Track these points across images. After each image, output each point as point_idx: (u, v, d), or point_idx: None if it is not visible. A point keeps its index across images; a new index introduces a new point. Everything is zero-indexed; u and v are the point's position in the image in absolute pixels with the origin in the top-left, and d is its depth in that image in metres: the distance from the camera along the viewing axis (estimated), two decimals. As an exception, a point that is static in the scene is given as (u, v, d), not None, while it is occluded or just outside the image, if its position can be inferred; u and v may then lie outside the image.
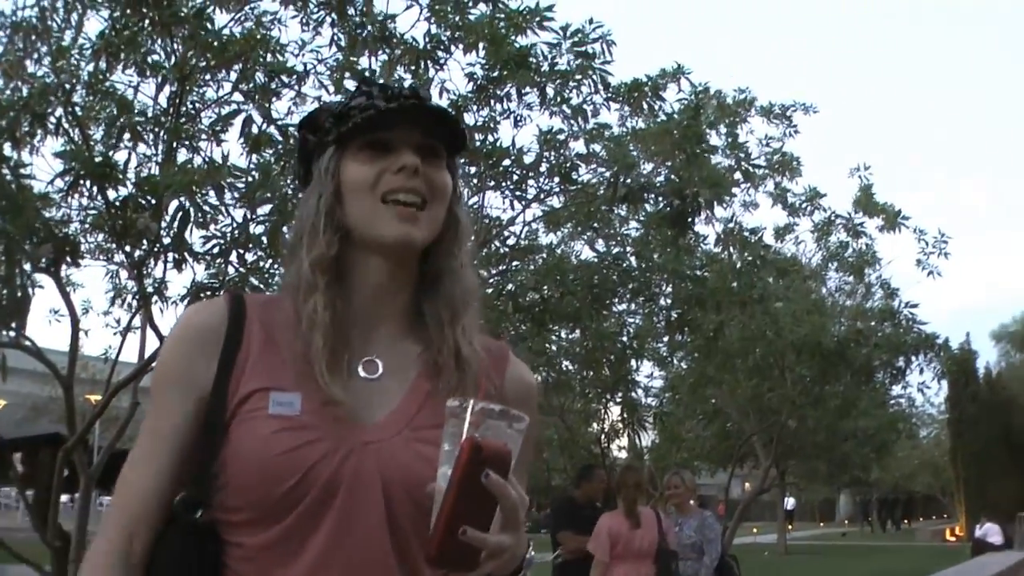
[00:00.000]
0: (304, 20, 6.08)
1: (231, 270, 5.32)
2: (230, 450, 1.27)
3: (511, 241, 8.38)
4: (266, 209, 5.25)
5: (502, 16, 6.18)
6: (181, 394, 1.31)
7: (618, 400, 11.14)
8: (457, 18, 6.16)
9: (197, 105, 5.88)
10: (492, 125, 6.88)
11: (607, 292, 8.21)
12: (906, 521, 61.03)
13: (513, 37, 6.21)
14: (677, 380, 15.06)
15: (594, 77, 6.58)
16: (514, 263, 8.37)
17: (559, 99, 6.73)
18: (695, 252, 9.08)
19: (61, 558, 5.52)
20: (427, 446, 1.24)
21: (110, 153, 5.30)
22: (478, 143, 6.69)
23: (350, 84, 5.87)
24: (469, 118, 6.61)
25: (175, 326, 1.40)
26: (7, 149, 5.23)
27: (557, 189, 7.66)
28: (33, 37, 5.73)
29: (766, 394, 14.24)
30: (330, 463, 1.25)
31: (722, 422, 16.28)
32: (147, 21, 5.43)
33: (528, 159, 7.13)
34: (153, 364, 3.75)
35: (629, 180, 7.01)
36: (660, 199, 7.23)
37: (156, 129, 5.54)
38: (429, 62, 6.24)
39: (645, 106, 7.16)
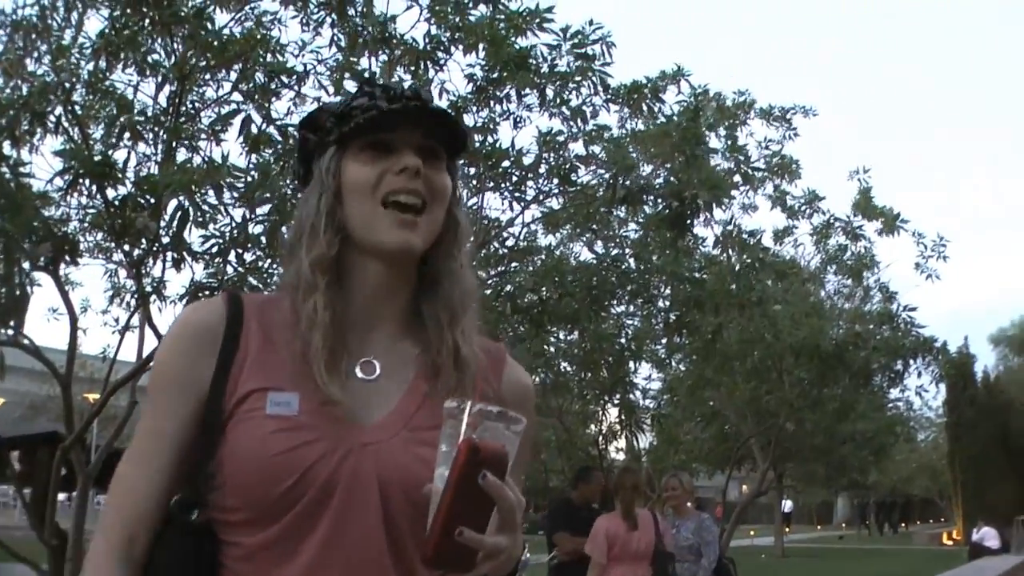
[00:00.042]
0: (304, 20, 6.08)
1: (230, 270, 5.32)
2: (227, 450, 1.26)
3: (510, 242, 8.37)
4: (265, 209, 5.25)
5: (502, 17, 6.18)
6: (179, 394, 1.31)
7: (616, 402, 11.10)
8: (457, 19, 6.15)
9: (197, 105, 5.89)
10: (491, 126, 6.88)
11: (606, 294, 8.20)
12: (903, 524, 60.89)
13: (513, 38, 6.20)
14: (675, 382, 15.02)
15: (594, 79, 6.58)
16: (513, 264, 8.37)
17: (559, 100, 6.72)
18: (694, 254, 9.05)
19: (58, 556, 5.52)
20: (425, 447, 1.24)
21: (109, 152, 5.31)
22: (477, 144, 6.69)
23: (350, 84, 5.87)
24: (469, 119, 6.61)
25: (173, 325, 1.39)
26: (7, 147, 5.24)
27: (556, 190, 7.65)
28: (33, 36, 5.74)
29: (764, 396, 14.21)
30: (328, 463, 1.25)
31: (720, 424, 16.26)
32: (147, 20, 5.43)
33: (527, 160, 7.13)
34: (151, 363, 3.75)
35: (628, 182, 7.00)
36: (659, 201, 7.22)
37: (156, 128, 5.54)
38: (429, 63, 6.24)
39: (645, 108, 7.15)
